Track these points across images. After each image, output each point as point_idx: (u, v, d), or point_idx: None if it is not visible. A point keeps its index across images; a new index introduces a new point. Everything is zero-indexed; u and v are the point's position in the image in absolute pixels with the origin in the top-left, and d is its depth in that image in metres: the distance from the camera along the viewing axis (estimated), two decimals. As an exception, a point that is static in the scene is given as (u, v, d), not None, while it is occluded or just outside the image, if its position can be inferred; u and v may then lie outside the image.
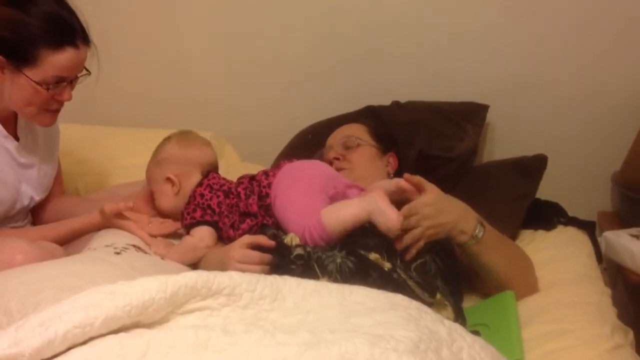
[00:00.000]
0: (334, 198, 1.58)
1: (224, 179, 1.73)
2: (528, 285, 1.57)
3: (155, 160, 1.74)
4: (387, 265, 1.42)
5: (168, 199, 1.71)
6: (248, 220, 1.62)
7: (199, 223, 1.64)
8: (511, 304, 1.48)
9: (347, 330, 1.09)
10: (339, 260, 1.40)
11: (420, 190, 1.47)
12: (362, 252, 1.43)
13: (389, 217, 1.41)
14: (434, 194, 1.47)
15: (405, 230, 1.43)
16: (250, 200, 1.62)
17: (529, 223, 1.90)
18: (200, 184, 1.69)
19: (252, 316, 1.15)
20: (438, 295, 1.41)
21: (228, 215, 1.64)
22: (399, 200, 1.47)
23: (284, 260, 1.42)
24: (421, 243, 1.44)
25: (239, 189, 1.66)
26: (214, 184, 1.69)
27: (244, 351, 1.00)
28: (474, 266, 1.54)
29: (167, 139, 1.75)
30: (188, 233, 1.65)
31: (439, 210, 1.46)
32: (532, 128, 2.15)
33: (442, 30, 2.15)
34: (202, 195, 1.67)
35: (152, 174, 1.74)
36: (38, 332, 0.99)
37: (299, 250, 1.43)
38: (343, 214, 1.47)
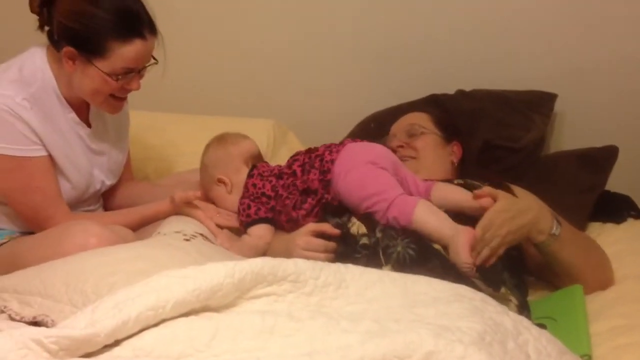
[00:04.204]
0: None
1: (272, 166, 1.72)
2: (605, 279, 1.55)
3: (203, 168, 1.76)
4: None
5: (226, 200, 1.71)
6: (309, 199, 1.59)
7: (254, 222, 1.64)
8: (579, 297, 1.46)
9: (411, 321, 1.09)
10: (399, 249, 1.40)
11: (495, 199, 1.44)
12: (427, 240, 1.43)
13: (460, 259, 1.38)
14: (506, 200, 1.45)
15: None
16: (311, 176, 1.60)
17: (598, 216, 1.86)
18: (250, 175, 1.69)
19: (316, 303, 1.17)
20: (502, 289, 1.39)
21: (288, 197, 1.62)
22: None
23: (349, 248, 1.43)
24: (501, 251, 1.41)
25: (295, 167, 1.65)
26: (263, 172, 1.68)
27: (309, 337, 1.02)
28: (550, 263, 1.52)
29: (207, 146, 1.77)
30: (245, 231, 1.65)
31: (514, 214, 1.43)
32: (603, 117, 2.07)
33: (508, 15, 2.10)
34: (254, 185, 1.66)
35: (204, 182, 1.76)
36: (112, 314, 1.03)
37: (364, 240, 1.44)
38: (434, 223, 1.45)
